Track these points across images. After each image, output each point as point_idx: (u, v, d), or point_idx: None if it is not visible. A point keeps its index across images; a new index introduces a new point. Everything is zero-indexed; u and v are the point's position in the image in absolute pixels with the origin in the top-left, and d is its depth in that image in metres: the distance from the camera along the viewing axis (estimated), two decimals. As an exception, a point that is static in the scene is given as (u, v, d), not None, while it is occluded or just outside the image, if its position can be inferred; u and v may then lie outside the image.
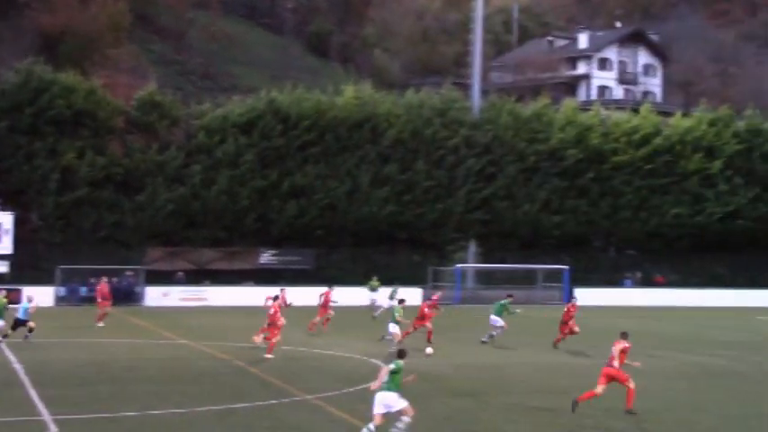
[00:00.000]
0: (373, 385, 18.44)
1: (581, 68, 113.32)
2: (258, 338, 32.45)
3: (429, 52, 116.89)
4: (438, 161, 63.27)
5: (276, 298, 34.09)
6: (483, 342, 35.94)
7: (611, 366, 21.91)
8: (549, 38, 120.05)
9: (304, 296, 47.34)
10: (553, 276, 62.64)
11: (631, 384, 21.90)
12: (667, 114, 77.27)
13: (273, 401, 22.81)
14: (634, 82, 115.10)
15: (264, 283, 57.10)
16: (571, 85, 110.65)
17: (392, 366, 18.23)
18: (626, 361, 22.07)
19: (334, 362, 30.58)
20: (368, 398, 23.50)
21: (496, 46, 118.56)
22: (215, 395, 23.55)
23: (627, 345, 22.32)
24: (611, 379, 21.92)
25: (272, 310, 31.11)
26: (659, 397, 24.97)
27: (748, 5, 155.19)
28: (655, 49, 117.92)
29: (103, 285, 42.75)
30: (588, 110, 71.42)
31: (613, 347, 22.15)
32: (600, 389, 21.87)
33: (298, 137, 60.81)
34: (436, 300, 37.37)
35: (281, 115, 60.96)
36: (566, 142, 65.62)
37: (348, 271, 60.53)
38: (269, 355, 30.21)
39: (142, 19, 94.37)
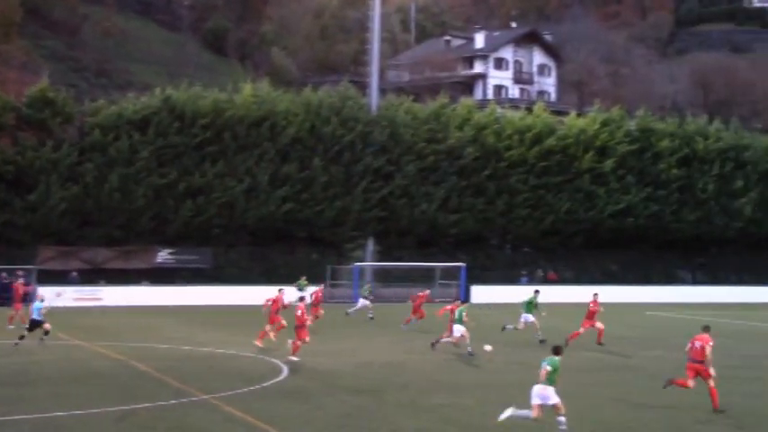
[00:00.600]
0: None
1: (477, 68, 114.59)
2: (261, 342, 32.88)
3: (327, 50, 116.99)
4: (336, 159, 63.31)
5: (274, 301, 34.81)
6: (505, 329, 37.51)
7: (697, 362, 22.85)
8: (447, 37, 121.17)
9: (202, 296, 47.11)
10: (450, 274, 63.16)
11: (712, 383, 22.68)
12: (561, 114, 78.67)
13: (172, 402, 22.63)
14: (529, 82, 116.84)
15: (161, 283, 56.59)
16: (468, 85, 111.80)
17: (549, 365, 19.51)
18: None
19: (233, 361, 30.42)
20: (267, 396, 23.62)
21: (394, 45, 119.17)
22: (112, 396, 23.25)
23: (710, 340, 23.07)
24: (696, 373, 22.83)
25: (298, 312, 30.16)
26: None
27: (639, 8, 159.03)
28: (549, 50, 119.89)
29: (17, 285, 41.86)
30: (485, 109, 72.18)
31: (697, 342, 23.00)
32: (691, 383, 22.93)
33: (195, 135, 60.11)
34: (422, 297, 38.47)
35: (177, 113, 60.18)
36: (463, 141, 66.20)
37: (246, 270, 60.26)
38: (294, 357, 29.61)
39: (34, 13, 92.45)
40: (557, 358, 19.84)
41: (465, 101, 73.12)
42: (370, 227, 64.43)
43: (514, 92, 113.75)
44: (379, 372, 28.46)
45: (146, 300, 53.80)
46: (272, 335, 33.74)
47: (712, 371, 22.72)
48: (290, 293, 39.21)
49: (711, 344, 23.04)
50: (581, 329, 36.40)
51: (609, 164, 68.50)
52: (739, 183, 72.06)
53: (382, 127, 64.56)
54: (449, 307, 33.57)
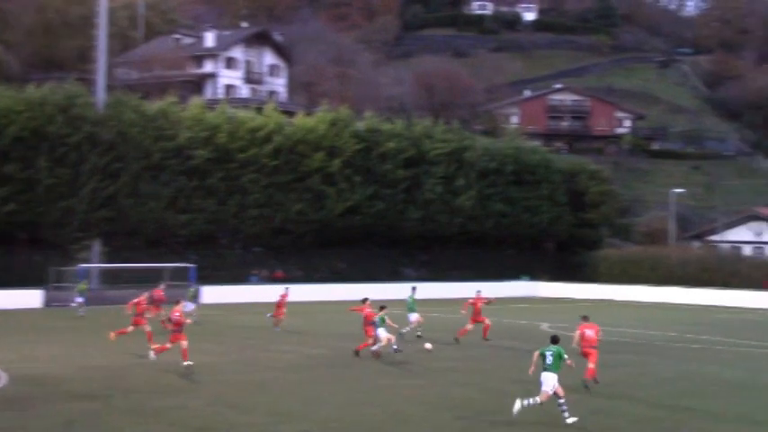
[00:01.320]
0: (531, 369, 22.39)
1: (208, 67, 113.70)
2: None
3: (51, 46, 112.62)
4: (61, 159, 61.20)
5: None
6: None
7: (591, 347, 26.46)
8: (176, 35, 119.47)
9: None
10: (180, 275, 62.39)
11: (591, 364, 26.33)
12: (291, 114, 79.43)
13: None
14: (260, 81, 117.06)
15: None
16: (198, 84, 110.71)
17: (550, 352, 21.61)
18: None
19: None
20: None
21: (122, 41, 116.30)
22: None
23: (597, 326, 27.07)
24: (587, 355, 26.49)
25: (176, 314, 29.27)
26: (279, 389, 25.79)
27: (366, 11, 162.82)
28: (280, 50, 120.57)
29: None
30: (215, 108, 71.84)
31: (587, 331, 26.56)
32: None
33: None
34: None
35: None
36: (193, 140, 65.61)
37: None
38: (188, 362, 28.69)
39: None
40: (556, 347, 21.81)
41: (195, 100, 72.50)
42: (97, 227, 62.71)
43: (245, 92, 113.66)
44: (105, 376, 27.83)
45: None
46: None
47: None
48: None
49: (597, 330, 26.88)
50: (468, 326, 37.76)
51: (337, 163, 69.80)
52: (461, 182, 75.26)
53: (110, 126, 63.00)
54: (358, 309, 33.31)
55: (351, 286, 64.98)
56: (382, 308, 32.30)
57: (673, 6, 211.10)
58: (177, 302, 30.88)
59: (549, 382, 21.52)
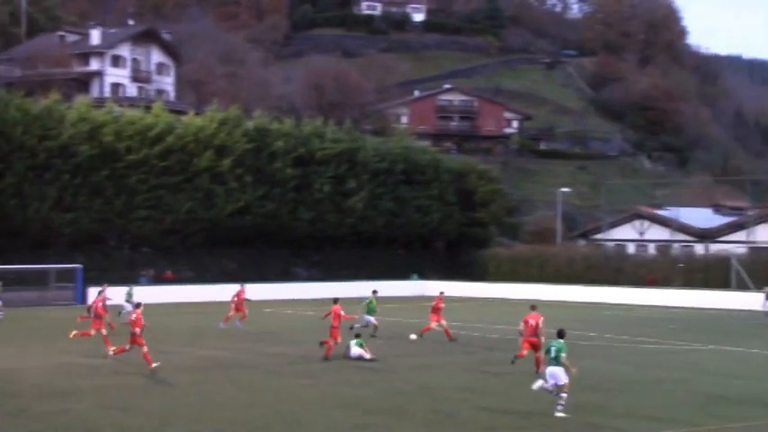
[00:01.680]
0: (540, 368, 24.46)
1: (94, 65, 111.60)
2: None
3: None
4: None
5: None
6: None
7: (533, 335, 28.08)
8: (61, 32, 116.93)
9: None
10: (66, 276, 61.22)
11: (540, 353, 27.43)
12: (181, 113, 78.50)
13: None
14: (148, 80, 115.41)
15: None
16: (84, 82, 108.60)
17: (555, 347, 22.46)
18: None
19: None
20: None
21: (4, 38, 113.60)
22: None
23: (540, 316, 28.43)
24: (531, 345, 28.03)
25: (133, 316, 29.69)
26: (169, 391, 25.49)
27: (255, 10, 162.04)
28: (168, 49, 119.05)
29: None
30: (102, 107, 70.55)
31: (531, 320, 28.11)
32: (525, 353, 28.22)
33: None
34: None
35: None
36: (78, 139, 64.22)
37: None
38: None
39: None
40: (561, 341, 22.67)
41: (81, 98, 71.08)
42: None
43: (132, 90, 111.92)
44: (-12, 381, 27.16)
45: None
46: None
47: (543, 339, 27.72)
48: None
49: (542, 319, 28.30)
50: (432, 324, 38.19)
51: (227, 163, 69.23)
52: (352, 182, 75.38)
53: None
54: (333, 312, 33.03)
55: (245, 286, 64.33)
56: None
57: (558, 9, 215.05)
58: (138, 306, 30.62)
59: (559, 375, 22.28)
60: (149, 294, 62.07)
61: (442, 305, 38.75)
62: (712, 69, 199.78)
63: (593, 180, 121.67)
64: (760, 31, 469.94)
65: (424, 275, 76.36)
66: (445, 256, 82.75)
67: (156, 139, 67.26)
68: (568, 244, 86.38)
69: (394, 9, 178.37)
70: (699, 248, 79.06)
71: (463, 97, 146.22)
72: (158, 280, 67.05)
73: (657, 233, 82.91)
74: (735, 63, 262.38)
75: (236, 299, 43.76)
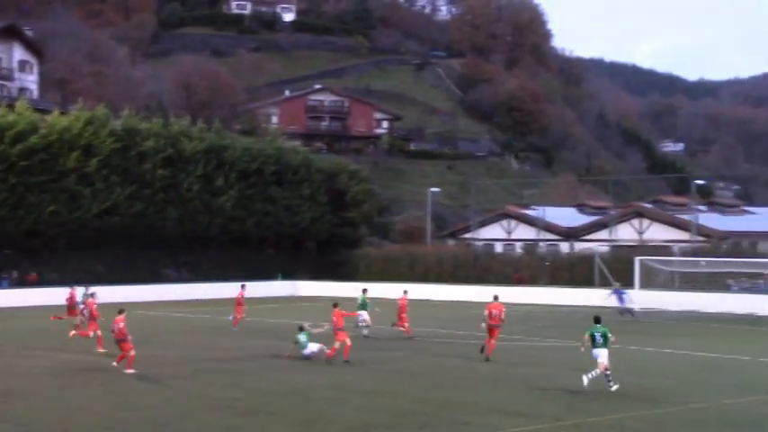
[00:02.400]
0: (582, 348, 26.63)
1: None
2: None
3: None
4: None
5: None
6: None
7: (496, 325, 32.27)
8: None
9: None
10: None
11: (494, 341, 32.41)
12: (45, 112, 76.52)
13: None
14: (9, 78, 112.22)
15: None
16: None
17: (599, 333, 25.97)
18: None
19: None
20: None
21: None
22: None
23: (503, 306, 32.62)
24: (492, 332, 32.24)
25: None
26: (33, 396, 24.93)
27: (122, 8, 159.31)
28: (31, 46, 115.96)
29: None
30: (-40, 105, 68.36)
31: (494, 311, 32.01)
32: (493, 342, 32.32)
33: None
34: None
35: None
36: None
37: None
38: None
39: None
40: (602, 326, 26.11)
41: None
42: None
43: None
44: None
45: None
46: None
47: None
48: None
49: (505, 309, 32.43)
50: (405, 323, 39.66)
51: (94, 163, 67.87)
52: (220, 181, 74.79)
53: None
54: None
55: (110, 288, 63.15)
56: (301, 329, 33.30)
57: (427, 10, 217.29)
58: (120, 311, 30.31)
59: (603, 355, 25.77)
60: (11, 297, 60.80)
61: (406, 303, 40.57)
62: (576, 72, 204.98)
63: (462, 180, 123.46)
64: (621, 36, 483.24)
65: (295, 276, 76.29)
66: (316, 257, 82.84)
67: (18, 138, 65.38)
68: (438, 243, 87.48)
69: (264, 9, 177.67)
70: (564, 247, 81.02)
71: (334, 97, 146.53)
72: (21, 282, 65.36)
73: (524, 232, 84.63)
74: (597, 66, 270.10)
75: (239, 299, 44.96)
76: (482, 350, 32.34)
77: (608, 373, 25.74)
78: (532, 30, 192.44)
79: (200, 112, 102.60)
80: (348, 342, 31.83)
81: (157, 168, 71.29)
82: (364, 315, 40.58)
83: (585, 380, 25.56)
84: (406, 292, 41.36)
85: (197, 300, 64.66)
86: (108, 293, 59.60)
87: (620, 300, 52.26)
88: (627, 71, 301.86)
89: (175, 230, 72.65)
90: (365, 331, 39.85)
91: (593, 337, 26.15)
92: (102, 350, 31.96)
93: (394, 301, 41.85)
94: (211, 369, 30.36)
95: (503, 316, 32.47)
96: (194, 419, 22.04)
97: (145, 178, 70.85)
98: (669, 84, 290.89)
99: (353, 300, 41.95)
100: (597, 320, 26.57)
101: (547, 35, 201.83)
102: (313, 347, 32.58)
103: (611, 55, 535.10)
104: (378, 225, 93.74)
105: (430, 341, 38.44)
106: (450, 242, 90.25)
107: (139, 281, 66.98)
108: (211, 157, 74.82)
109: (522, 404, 24.21)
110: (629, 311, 51.31)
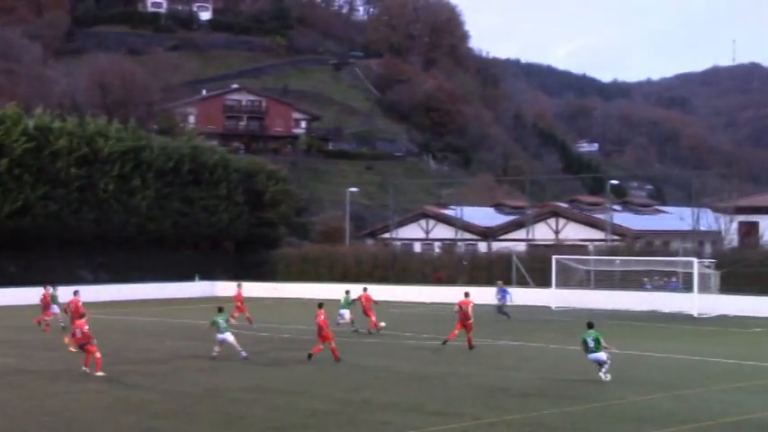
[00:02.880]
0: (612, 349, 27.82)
1: None
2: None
3: None
4: None
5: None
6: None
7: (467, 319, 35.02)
8: None
9: None
10: None
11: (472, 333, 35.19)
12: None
13: None
14: None
15: None
16: None
17: (591, 337, 27.01)
18: None
19: None
20: None
21: None
22: None
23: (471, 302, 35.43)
24: (463, 325, 35.12)
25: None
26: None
27: (34, 5, 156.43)
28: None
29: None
30: None
31: (464, 306, 35.02)
32: (457, 332, 35.47)
33: None
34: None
35: None
36: None
37: None
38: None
39: None
40: (594, 331, 27.17)
41: None
42: None
43: None
44: None
45: None
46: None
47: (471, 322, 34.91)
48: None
49: (472, 304, 35.33)
50: (372, 317, 41.75)
51: (4, 163, 66.49)
52: (137, 182, 73.81)
53: None
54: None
55: (24, 290, 61.85)
56: (221, 309, 33.13)
57: (344, 11, 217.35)
58: (82, 316, 30.33)
59: (602, 356, 27.03)
60: None
61: (370, 301, 43.12)
62: (493, 73, 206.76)
63: (381, 180, 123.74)
64: (537, 37, 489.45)
65: (212, 276, 75.66)
66: (235, 257, 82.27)
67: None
68: (357, 243, 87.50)
69: (180, 7, 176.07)
70: (482, 247, 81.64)
71: (251, 97, 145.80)
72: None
73: (443, 232, 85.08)
74: (514, 67, 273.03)
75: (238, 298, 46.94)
76: (444, 342, 35.86)
77: (605, 367, 27.22)
78: (450, 31, 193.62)
79: (116, 111, 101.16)
80: (333, 344, 31.76)
81: (72, 168, 70.08)
82: (346, 314, 42.61)
83: (603, 377, 27.18)
84: (366, 288, 44.44)
85: (113, 301, 63.74)
86: (22, 296, 58.90)
87: (502, 298, 52.16)
88: (542, 72, 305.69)
89: (91, 231, 71.53)
90: (351, 328, 42.15)
91: (585, 342, 27.22)
92: (72, 349, 31.52)
93: (312, 301, 41.83)
94: (127, 371, 29.97)
95: (470, 311, 35.06)
96: (110, 422, 21.75)
97: (59, 178, 69.59)
98: (584, 85, 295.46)
99: (270, 300, 41.91)
100: (590, 326, 27.55)
101: (464, 36, 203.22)
102: (228, 336, 32.17)
103: (527, 56, 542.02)
104: (297, 225, 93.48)
105: (348, 342, 38.38)
106: (370, 242, 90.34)
107: (54, 282, 65.73)
108: (128, 157, 73.80)
109: (441, 403, 24.32)
110: (506, 313, 50.94)
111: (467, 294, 36.34)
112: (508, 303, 52.06)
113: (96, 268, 74.43)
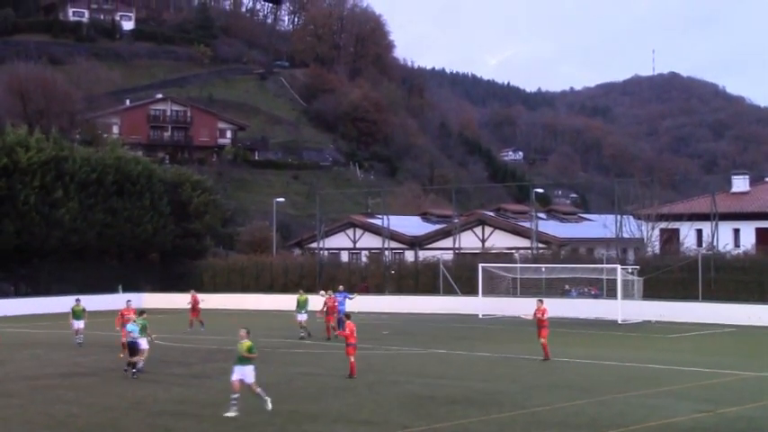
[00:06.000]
0: None
1: None
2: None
3: None
4: None
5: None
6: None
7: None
8: None
9: None
10: None
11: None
12: None
13: None
14: None
15: None
16: None
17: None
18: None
19: None
20: None
21: None
22: None
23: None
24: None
25: None
26: None
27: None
28: None
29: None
30: None
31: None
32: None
33: None
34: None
35: None
36: None
37: None
38: None
39: None
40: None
41: None
42: None
43: None
44: None
45: None
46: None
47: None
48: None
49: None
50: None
51: None
52: (60, 193, 72.63)
53: None
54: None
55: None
56: (142, 313, 32.68)
57: (269, 20, 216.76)
58: None
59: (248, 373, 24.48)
60: None
61: (336, 304, 44.57)
62: (418, 82, 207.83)
63: (307, 190, 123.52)
64: (465, 48, 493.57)
65: (138, 288, 74.70)
66: (160, 268, 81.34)
67: None
68: (284, 253, 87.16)
69: (102, 17, 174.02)
70: (409, 255, 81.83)
71: (176, 107, 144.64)
72: None
73: (370, 241, 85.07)
74: (439, 76, 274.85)
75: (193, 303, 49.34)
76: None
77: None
78: (375, 40, 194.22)
79: (37, 121, 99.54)
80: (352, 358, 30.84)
81: (-9, 180, 68.79)
82: (301, 317, 44.71)
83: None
84: (328, 291, 46.41)
85: (36, 314, 62.66)
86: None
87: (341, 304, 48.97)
88: (467, 82, 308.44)
89: (11, 243, 70.20)
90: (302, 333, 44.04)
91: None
92: None
93: (238, 312, 41.59)
94: (50, 385, 29.45)
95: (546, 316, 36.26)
96: (33, 438, 21.35)
97: (-23, 190, 68.29)
98: (509, 94, 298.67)
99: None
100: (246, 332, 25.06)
101: (389, 46, 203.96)
102: (142, 342, 31.70)
103: (456, 66, 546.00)
104: (223, 235, 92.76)
105: (276, 352, 38.18)
106: (296, 252, 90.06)
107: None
108: (50, 168, 72.57)
109: (369, 412, 24.30)
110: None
111: (541, 301, 37.43)
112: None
113: (17, 281, 73.13)
